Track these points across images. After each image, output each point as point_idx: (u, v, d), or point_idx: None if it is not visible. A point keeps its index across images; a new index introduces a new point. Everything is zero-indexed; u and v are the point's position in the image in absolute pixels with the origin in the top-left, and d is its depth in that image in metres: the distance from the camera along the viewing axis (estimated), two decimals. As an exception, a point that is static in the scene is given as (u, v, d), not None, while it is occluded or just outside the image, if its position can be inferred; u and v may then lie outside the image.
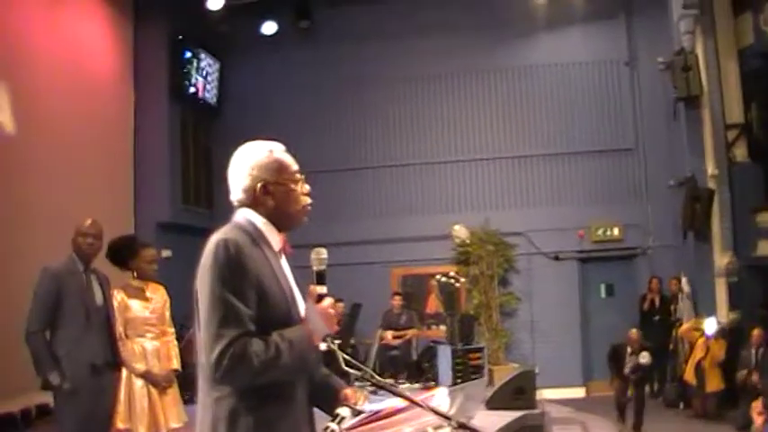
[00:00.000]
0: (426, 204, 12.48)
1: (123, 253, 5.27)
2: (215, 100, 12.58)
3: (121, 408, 5.06)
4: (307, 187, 2.44)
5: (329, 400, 2.41)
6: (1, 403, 6.94)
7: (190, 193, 11.85)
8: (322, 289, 2.35)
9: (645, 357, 8.77)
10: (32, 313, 4.69)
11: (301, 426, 2.31)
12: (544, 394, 9.67)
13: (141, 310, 5.24)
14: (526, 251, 11.91)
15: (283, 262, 2.42)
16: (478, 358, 10.56)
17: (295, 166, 2.44)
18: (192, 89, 11.77)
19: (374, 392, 2.29)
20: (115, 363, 4.97)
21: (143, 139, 10.88)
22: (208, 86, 12.30)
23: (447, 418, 2.03)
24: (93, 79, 9.76)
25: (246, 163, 2.37)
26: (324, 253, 2.39)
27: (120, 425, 5.03)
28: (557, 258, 11.86)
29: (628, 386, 8.97)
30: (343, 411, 2.27)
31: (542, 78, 12.22)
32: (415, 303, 12.40)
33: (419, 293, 12.53)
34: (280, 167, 2.39)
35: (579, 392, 11.45)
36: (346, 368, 2.20)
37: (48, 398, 4.89)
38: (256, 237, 2.31)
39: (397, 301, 11.77)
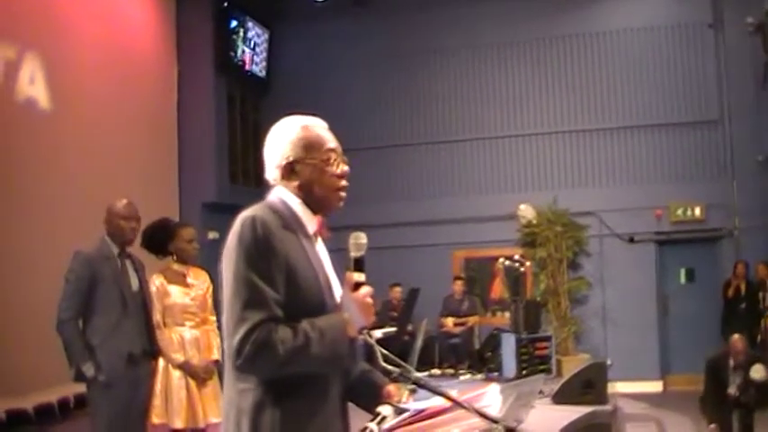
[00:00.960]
0: (490, 182, 12.36)
1: (160, 236, 5.25)
2: (264, 72, 12.58)
3: (157, 401, 5.06)
4: (344, 168, 2.37)
5: (370, 397, 2.34)
6: (38, 393, 7.08)
7: (238, 172, 11.91)
8: (360, 276, 2.28)
9: (759, 372, 6.81)
10: (64, 300, 4.69)
11: (333, 424, 2.25)
12: (617, 388, 9.53)
13: (181, 297, 5.23)
14: (598, 232, 11.68)
15: (320, 246, 2.35)
16: (545, 348, 10.47)
17: (330, 144, 2.36)
18: (239, 61, 11.78)
19: (413, 391, 2.20)
20: (152, 352, 4.99)
21: (187, 115, 10.94)
22: (256, 58, 12.31)
23: (494, 421, 1.93)
24: (132, 51, 9.80)
25: (278, 138, 2.35)
26: (363, 238, 2.33)
27: (155, 419, 5.04)
28: (632, 240, 11.60)
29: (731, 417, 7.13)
30: (384, 410, 2.19)
31: (616, 45, 11.89)
32: (477, 288, 12.34)
33: (482, 278, 12.44)
34: (309, 144, 2.33)
35: (656, 387, 11.20)
36: (383, 364, 2.12)
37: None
38: (289, 217, 2.27)
39: (459, 285, 11.73)
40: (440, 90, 12.58)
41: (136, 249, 5.13)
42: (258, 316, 2.06)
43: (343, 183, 2.37)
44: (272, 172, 2.36)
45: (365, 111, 12.64)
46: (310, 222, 2.32)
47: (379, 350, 2.13)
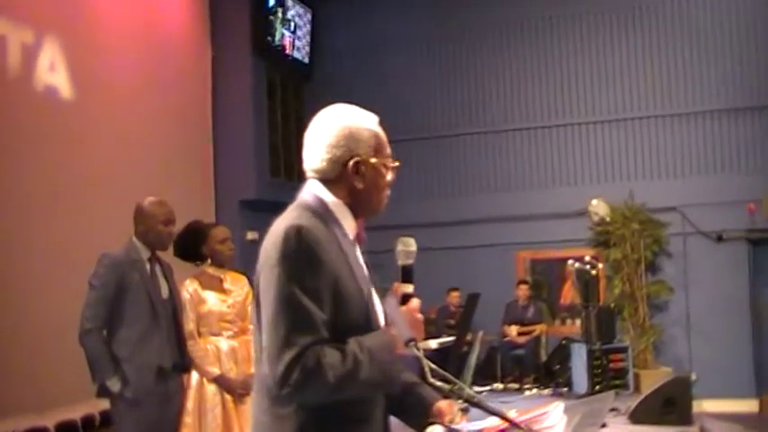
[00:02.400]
0: (558, 175, 12.26)
1: (192, 241, 5.28)
2: (306, 57, 12.60)
3: (189, 418, 5.08)
4: (391, 176, 2.36)
5: (418, 415, 2.32)
6: (60, 410, 7.13)
7: (279, 166, 11.93)
8: (408, 288, 2.26)
9: None
10: (88, 308, 4.71)
11: None
12: (703, 407, 9.32)
13: (218, 304, 5.23)
14: (680, 230, 11.48)
15: (358, 254, 2.33)
16: (621, 360, 10.25)
17: (389, 148, 2.37)
18: (279, 45, 11.80)
19: (465, 409, 2.13)
20: (183, 365, 5.00)
21: (223, 103, 11.00)
22: (297, 41, 12.32)
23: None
24: (162, 35, 9.86)
25: (340, 129, 2.28)
26: (413, 244, 2.31)
27: None
28: (720, 239, 11.36)
29: None
30: (434, 430, 2.15)
31: (702, 15, 11.63)
32: (544, 293, 12.23)
33: (549, 281, 12.33)
34: (380, 146, 2.33)
35: (750, 406, 10.94)
36: (432, 380, 2.08)
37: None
38: (329, 221, 2.23)
39: (523, 290, 11.65)
40: (500, 72, 12.51)
41: (165, 253, 5.13)
42: (306, 340, 2.03)
43: (388, 192, 2.37)
44: (317, 163, 2.29)
45: (419, 97, 12.64)
46: (351, 227, 2.30)
47: (428, 365, 2.09)
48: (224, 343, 5.23)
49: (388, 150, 2.35)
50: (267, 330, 2.09)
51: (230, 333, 5.27)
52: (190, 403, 5.10)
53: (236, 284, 5.38)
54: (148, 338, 4.73)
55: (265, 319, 2.11)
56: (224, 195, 10.88)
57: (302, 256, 2.07)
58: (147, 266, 4.88)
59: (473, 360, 9.71)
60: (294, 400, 2.08)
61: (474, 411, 2.13)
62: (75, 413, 7.25)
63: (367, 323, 2.18)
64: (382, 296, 2.31)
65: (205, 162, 10.76)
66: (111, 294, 4.69)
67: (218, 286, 5.27)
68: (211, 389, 5.14)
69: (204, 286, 5.24)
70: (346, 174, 2.26)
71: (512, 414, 2.03)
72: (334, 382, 2.01)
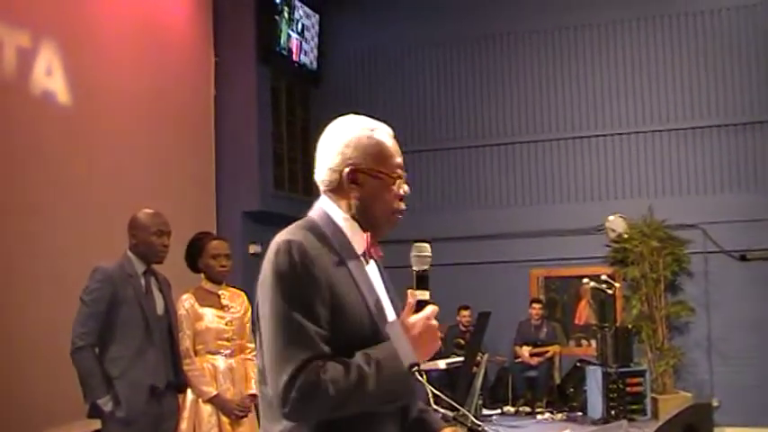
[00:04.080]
0: (574, 190, 12.21)
1: (190, 252, 5.30)
2: (314, 62, 12.60)
3: None
4: (405, 188, 2.35)
5: None
6: (51, 431, 7.06)
7: (283, 177, 11.92)
8: (423, 294, 2.23)
9: None
10: (79, 325, 4.66)
11: None
12: (726, 435, 9.25)
13: (215, 321, 5.19)
14: (702, 248, 11.41)
15: (371, 267, 2.33)
16: (638, 384, 10.26)
17: (399, 159, 2.34)
18: (285, 49, 11.80)
19: None
20: (177, 384, 4.97)
21: (226, 111, 10.97)
22: (305, 46, 12.32)
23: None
24: (163, 38, 9.83)
25: (340, 137, 2.32)
26: (427, 249, 2.28)
27: None
28: (743, 258, 11.28)
29: None
30: None
31: (727, 26, 11.59)
32: (558, 312, 12.20)
33: (564, 300, 12.29)
34: (380, 154, 2.30)
35: (775, 434, 10.87)
36: (435, 406, 2.05)
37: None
38: (333, 236, 2.25)
39: (537, 309, 11.63)
40: (514, 81, 12.49)
41: (163, 266, 5.10)
42: (302, 355, 2.04)
43: (403, 206, 2.35)
44: (323, 174, 2.33)
45: (429, 107, 12.66)
46: (359, 241, 2.29)
47: (431, 390, 2.06)
48: (221, 361, 5.19)
49: (397, 161, 2.32)
50: (265, 348, 2.11)
51: (228, 351, 5.23)
52: (184, 424, 5.06)
53: (235, 301, 5.34)
54: (142, 356, 4.69)
55: (263, 337, 2.13)
56: (226, 207, 10.84)
57: (292, 272, 2.09)
58: (142, 281, 4.85)
59: (478, 384, 9.68)
60: (298, 420, 2.08)
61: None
62: None
63: (375, 338, 2.16)
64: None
65: (206, 172, 10.72)
66: (103, 310, 4.65)
67: (215, 302, 5.23)
68: (207, 409, 5.10)
69: (201, 302, 5.20)
70: (343, 183, 2.28)
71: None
72: (336, 396, 2.01)
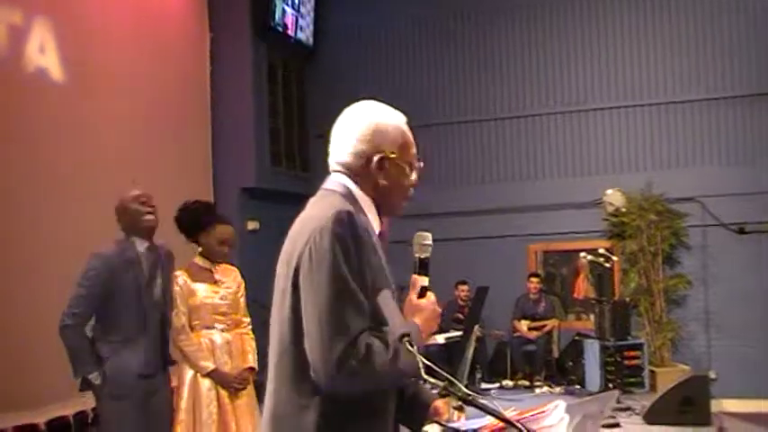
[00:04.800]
0: (571, 164, 12.19)
1: (192, 221, 5.25)
2: (310, 38, 12.54)
3: (183, 415, 5.06)
4: (415, 177, 2.47)
5: (416, 414, 2.37)
6: (52, 407, 7.09)
7: (280, 153, 11.90)
8: (424, 280, 2.35)
9: None
10: (70, 305, 4.70)
11: None
12: (723, 407, 9.25)
13: (209, 296, 5.21)
14: (700, 222, 11.38)
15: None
16: (636, 357, 10.29)
17: (415, 148, 2.49)
18: (281, 25, 11.73)
19: (460, 407, 2.12)
20: (165, 364, 4.99)
21: (221, 87, 10.93)
22: (300, 21, 12.25)
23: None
24: (157, 15, 9.79)
25: (369, 124, 2.39)
26: (429, 238, 2.39)
27: None
28: (742, 231, 11.25)
29: None
30: (431, 429, 2.20)
31: (725, -2, 11.54)
32: (557, 287, 12.20)
33: (562, 274, 12.29)
34: (407, 145, 2.44)
35: (771, 405, 10.90)
36: (426, 376, 2.07)
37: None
38: (362, 214, 2.33)
39: (534, 283, 11.63)
40: (511, 56, 12.43)
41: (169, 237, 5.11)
42: (358, 327, 2.10)
43: (411, 192, 2.47)
44: (344, 157, 2.38)
45: (426, 82, 12.60)
46: (377, 222, 2.39)
47: (422, 361, 2.09)
48: (218, 336, 5.22)
49: (414, 150, 2.46)
50: (315, 316, 2.11)
51: (223, 326, 5.25)
52: (184, 401, 5.09)
53: (228, 276, 5.36)
54: (132, 345, 4.73)
55: (311, 305, 2.13)
56: (223, 183, 10.82)
57: (354, 242, 2.15)
58: (144, 266, 4.84)
59: (470, 354, 9.70)
60: (345, 387, 2.11)
61: (472, 409, 2.10)
62: (68, 410, 7.23)
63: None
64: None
65: (203, 149, 10.70)
66: (97, 294, 4.68)
67: (208, 278, 5.25)
68: (206, 384, 5.12)
69: (194, 278, 5.20)
70: (370, 169, 2.36)
71: (510, 413, 2.00)
72: (381, 370, 2.09)
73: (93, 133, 8.21)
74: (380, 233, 2.37)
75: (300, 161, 12.26)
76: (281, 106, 11.99)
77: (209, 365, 5.10)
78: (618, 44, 11.97)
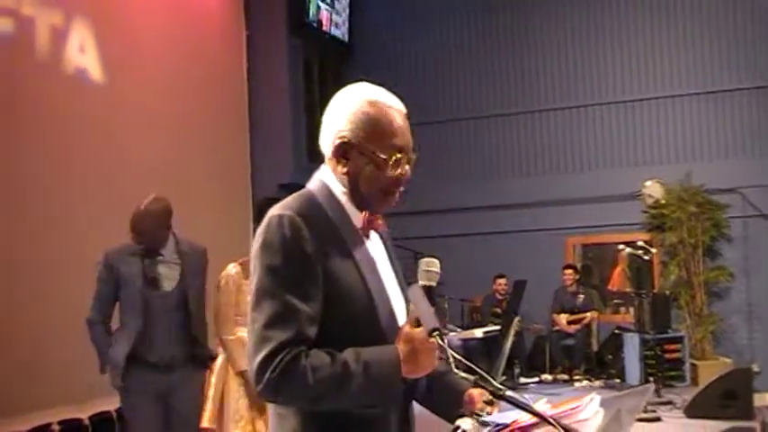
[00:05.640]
0: (610, 155, 12.10)
1: (258, 216, 5.29)
2: (345, 34, 12.55)
3: (209, 404, 5.09)
4: (406, 170, 2.15)
5: (448, 403, 2.20)
6: (66, 408, 7.07)
7: (317, 149, 11.80)
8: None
9: None
10: (93, 300, 4.97)
11: None
12: (767, 401, 9.14)
13: None
14: (742, 213, 11.25)
15: (374, 243, 2.21)
16: (677, 351, 10.18)
17: (398, 140, 2.13)
18: (316, 21, 11.76)
19: (490, 402, 2.07)
20: (194, 354, 5.01)
21: (258, 83, 10.98)
22: (336, 17, 12.27)
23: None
24: (194, 13, 9.87)
25: (340, 106, 2.17)
26: (436, 265, 2.12)
27: (205, 423, 5.07)
28: (784, 222, 11.14)
29: None
30: (464, 424, 2.03)
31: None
32: (596, 279, 12.10)
33: (601, 268, 12.20)
34: (374, 129, 2.11)
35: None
36: (456, 371, 1.97)
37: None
38: (330, 211, 2.13)
39: (568, 275, 11.52)
40: (547, 48, 12.36)
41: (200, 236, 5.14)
42: (284, 335, 1.94)
43: (399, 188, 2.16)
44: (322, 144, 2.20)
45: (463, 76, 12.58)
46: (357, 216, 2.17)
47: (452, 355, 1.97)
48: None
49: (395, 141, 2.12)
50: (248, 323, 2.03)
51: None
52: (212, 390, 5.12)
53: None
54: (139, 335, 4.82)
55: (248, 311, 2.05)
56: (260, 179, 10.87)
57: (282, 247, 1.99)
58: (146, 260, 4.91)
59: (507, 346, 9.64)
60: (272, 401, 2.04)
61: (505, 403, 2.07)
62: (82, 412, 7.21)
63: (372, 319, 2.07)
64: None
65: (241, 145, 10.76)
66: (106, 291, 4.91)
67: None
68: (238, 379, 5.13)
69: (246, 274, 5.20)
70: (332, 156, 2.16)
71: (542, 406, 1.97)
72: (315, 386, 1.93)
73: (131, 132, 8.28)
74: (363, 228, 2.17)
75: (337, 157, 12.28)
76: (318, 102, 12.02)
77: (242, 365, 5.05)
78: (657, 35, 11.83)
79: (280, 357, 1.92)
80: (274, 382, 1.93)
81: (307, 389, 1.93)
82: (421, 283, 2.09)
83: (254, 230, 5.18)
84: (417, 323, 2.03)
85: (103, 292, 4.90)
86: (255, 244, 2.06)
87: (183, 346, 4.94)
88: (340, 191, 2.15)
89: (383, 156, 2.10)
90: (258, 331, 1.97)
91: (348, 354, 1.97)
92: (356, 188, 2.14)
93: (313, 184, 2.19)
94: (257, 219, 5.27)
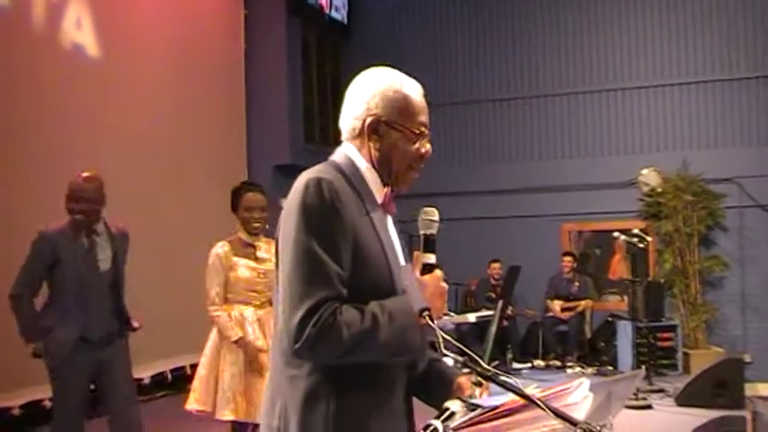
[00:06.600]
0: (607, 143, 12.09)
1: (232, 201, 5.31)
2: (344, 15, 12.52)
3: (197, 383, 5.09)
4: (428, 147, 2.31)
5: (438, 391, 2.27)
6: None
7: (314, 130, 11.92)
8: (430, 258, 2.24)
9: None
10: (18, 276, 4.96)
11: (397, 422, 2.21)
12: (758, 390, 9.16)
13: (248, 272, 5.18)
14: (737, 203, 11.25)
15: (388, 223, 2.31)
16: (669, 339, 10.22)
17: (424, 117, 2.31)
18: (315, 2, 11.71)
19: (479, 383, 2.08)
20: (121, 331, 5.17)
21: (256, 64, 10.95)
22: (336, 0, 12.24)
23: (573, 423, 1.77)
24: (193, -8, 9.83)
25: (368, 87, 2.28)
26: (435, 214, 2.29)
27: (193, 405, 5.06)
28: (779, 212, 11.14)
29: None
30: (452, 405, 2.07)
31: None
32: (591, 267, 12.12)
33: (596, 255, 12.21)
34: (405, 108, 2.27)
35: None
36: (445, 351, 2.01)
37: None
38: (356, 182, 2.22)
39: (567, 262, 11.53)
40: (546, 34, 12.34)
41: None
42: (322, 293, 2.02)
43: (421, 165, 2.32)
44: (348, 122, 2.29)
45: (461, 60, 12.56)
46: (379, 191, 2.28)
47: (441, 336, 2.02)
48: (250, 312, 5.19)
49: (421, 118, 2.29)
50: (282, 282, 2.09)
51: (258, 303, 5.24)
52: (202, 370, 5.12)
53: (270, 253, 5.34)
54: (72, 313, 4.89)
55: (281, 272, 2.10)
56: (257, 160, 10.86)
57: (321, 209, 2.06)
58: (85, 240, 4.98)
59: (493, 329, 9.63)
60: (306, 357, 2.06)
61: (496, 387, 2.07)
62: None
63: (392, 288, 2.15)
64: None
65: (237, 125, 10.73)
66: (40, 268, 4.92)
67: (251, 253, 5.21)
68: (229, 358, 5.08)
69: (236, 252, 5.20)
70: (365, 133, 2.25)
71: (532, 390, 1.97)
72: (350, 340, 2.00)
73: (128, 109, 8.25)
74: (383, 204, 2.28)
75: (334, 139, 12.13)
76: (315, 84, 11.99)
77: (238, 333, 5.06)
78: (654, 23, 11.81)
79: (320, 313, 1.99)
80: (314, 337, 1.99)
81: (343, 343, 2.00)
82: (421, 231, 2.24)
83: (235, 214, 5.12)
84: (423, 270, 2.18)
85: (36, 268, 4.93)
86: (290, 205, 2.11)
87: (114, 322, 5.09)
88: (364, 167, 2.26)
89: (414, 129, 2.27)
90: (298, 289, 2.03)
91: (374, 306, 2.06)
92: (387, 162, 2.26)
93: (338, 157, 2.27)
94: (234, 207, 5.28)
